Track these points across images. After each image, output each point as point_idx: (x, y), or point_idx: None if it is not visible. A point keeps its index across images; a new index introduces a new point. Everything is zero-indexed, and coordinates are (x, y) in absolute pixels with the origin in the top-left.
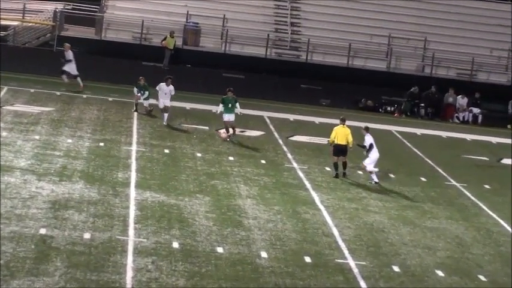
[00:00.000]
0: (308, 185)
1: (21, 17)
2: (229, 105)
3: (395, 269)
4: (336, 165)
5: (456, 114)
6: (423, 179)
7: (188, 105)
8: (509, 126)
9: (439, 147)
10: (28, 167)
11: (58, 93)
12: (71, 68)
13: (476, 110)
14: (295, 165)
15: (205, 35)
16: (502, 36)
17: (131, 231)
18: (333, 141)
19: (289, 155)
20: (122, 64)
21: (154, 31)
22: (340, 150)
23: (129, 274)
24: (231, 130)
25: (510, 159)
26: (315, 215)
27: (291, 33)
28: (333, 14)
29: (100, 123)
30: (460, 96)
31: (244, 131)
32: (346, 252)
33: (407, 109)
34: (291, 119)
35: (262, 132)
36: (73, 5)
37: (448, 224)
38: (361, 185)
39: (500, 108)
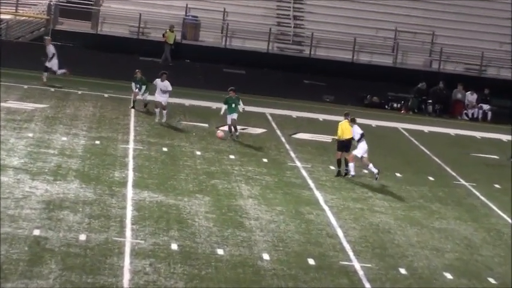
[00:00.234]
0: (312, 184)
1: (14, 10)
2: (233, 105)
3: (402, 271)
4: (339, 162)
5: (465, 111)
6: (431, 178)
7: (187, 102)
8: None
9: (447, 145)
10: (21, 165)
11: (52, 89)
12: (53, 63)
13: (485, 107)
14: (298, 163)
15: (205, 29)
16: None
17: (128, 233)
18: (340, 137)
19: (292, 154)
20: (119, 59)
21: (152, 25)
22: (344, 145)
23: (126, 277)
24: (233, 128)
25: None
26: (319, 216)
27: (293, 27)
28: (337, 7)
29: (96, 121)
30: (469, 92)
31: (245, 129)
32: (351, 254)
33: (414, 106)
34: (294, 116)
35: (264, 130)
36: None
37: (456, 224)
38: (366, 185)
39: (511, 104)
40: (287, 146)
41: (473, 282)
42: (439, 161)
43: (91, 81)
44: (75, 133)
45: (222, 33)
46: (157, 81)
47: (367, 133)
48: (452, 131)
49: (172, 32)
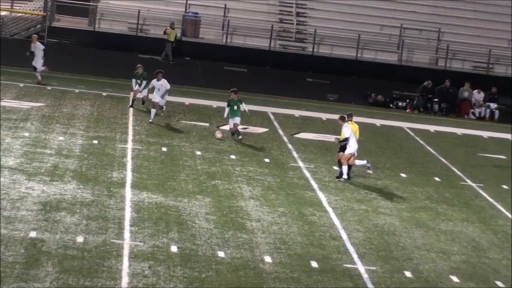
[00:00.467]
0: (315, 185)
1: (9, 7)
2: (235, 107)
3: (408, 274)
4: (340, 163)
5: (472, 110)
6: (437, 178)
7: (187, 101)
8: None
9: (454, 145)
10: (17, 166)
11: (49, 87)
12: (37, 61)
13: (493, 106)
14: (301, 164)
15: (206, 25)
16: None
17: (127, 234)
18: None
19: (294, 153)
20: (117, 57)
21: (151, 22)
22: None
23: (125, 280)
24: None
25: None
26: (322, 217)
27: (296, 24)
28: (341, 3)
29: (94, 120)
30: (476, 90)
31: (246, 128)
32: (355, 256)
33: (420, 104)
34: (297, 115)
35: (265, 129)
36: None
37: (463, 226)
38: (371, 186)
39: None
40: (289, 146)
41: (480, 285)
42: (445, 161)
43: (88, 79)
44: (73, 132)
45: (222, 30)
46: (154, 81)
47: (372, 132)
48: (458, 131)
49: (173, 29)
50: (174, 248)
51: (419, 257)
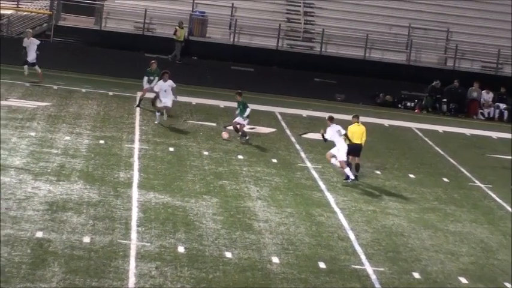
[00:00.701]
0: (322, 185)
1: (15, 6)
2: (240, 108)
3: (416, 275)
4: (349, 166)
5: (481, 110)
6: (445, 179)
7: (194, 100)
8: None
9: (463, 146)
10: (23, 165)
11: (55, 87)
12: (32, 57)
13: (502, 106)
14: (308, 164)
15: (213, 25)
16: None
17: (134, 235)
18: (350, 142)
19: (302, 154)
20: (123, 56)
21: (157, 21)
22: (355, 149)
23: (132, 280)
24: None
25: None
26: (330, 218)
27: (304, 23)
28: (349, 3)
29: (100, 119)
30: (485, 91)
31: (254, 128)
32: (363, 257)
33: (429, 105)
34: (304, 115)
35: (273, 129)
36: None
37: (472, 227)
38: (379, 186)
39: None
40: (297, 146)
41: (489, 286)
42: (454, 162)
43: (95, 78)
44: (79, 132)
45: (230, 29)
46: (160, 82)
47: (380, 133)
48: (467, 131)
49: (182, 28)
50: (181, 249)
51: (428, 258)
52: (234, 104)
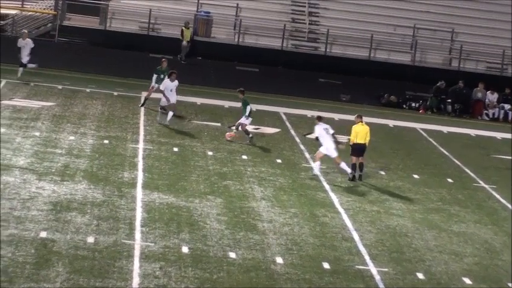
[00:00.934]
0: (327, 186)
1: (20, 6)
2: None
3: (420, 276)
4: (354, 167)
5: (485, 111)
6: (450, 180)
7: (199, 100)
8: None
9: (467, 146)
10: (28, 165)
11: (60, 86)
12: (26, 58)
13: (507, 107)
14: (313, 164)
15: (217, 25)
16: None
17: (138, 235)
18: (353, 141)
19: (306, 154)
20: (128, 56)
21: (162, 21)
22: (359, 149)
23: (136, 280)
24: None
25: None
26: (334, 219)
27: (309, 24)
28: (354, 3)
29: (104, 119)
30: (489, 91)
31: (258, 128)
32: (367, 258)
33: (433, 105)
34: (309, 115)
35: (277, 130)
36: None
37: (476, 228)
38: (383, 187)
39: None
40: (301, 147)
41: (493, 287)
42: (458, 163)
43: (99, 78)
44: (83, 132)
45: (234, 29)
46: (167, 82)
47: (384, 133)
48: (472, 132)
49: (188, 28)
50: (185, 249)
51: (432, 259)
52: (239, 104)
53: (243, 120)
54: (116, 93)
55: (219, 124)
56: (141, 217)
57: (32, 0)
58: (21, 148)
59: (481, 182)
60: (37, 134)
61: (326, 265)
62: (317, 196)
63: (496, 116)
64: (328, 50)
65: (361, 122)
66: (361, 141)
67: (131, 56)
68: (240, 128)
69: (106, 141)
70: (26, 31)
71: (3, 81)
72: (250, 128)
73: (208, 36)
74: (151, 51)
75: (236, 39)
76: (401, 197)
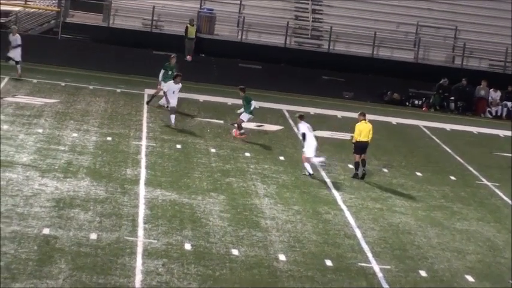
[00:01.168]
0: (329, 183)
1: (23, 2)
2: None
3: (422, 273)
4: (357, 165)
5: (488, 109)
6: (452, 177)
7: (202, 98)
8: None
9: (470, 144)
10: (31, 162)
11: (63, 83)
12: (16, 53)
13: (510, 104)
14: (315, 162)
15: (221, 22)
16: None
17: (140, 232)
18: (356, 139)
19: None
20: (131, 53)
21: (165, 18)
22: (362, 147)
23: (138, 277)
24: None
25: None
26: (337, 216)
27: (312, 21)
28: (357, 1)
29: (108, 116)
30: (492, 89)
31: (261, 126)
32: (369, 255)
33: (436, 103)
34: (312, 113)
35: (280, 127)
36: None
37: (479, 226)
38: (386, 184)
39: None
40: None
41: (495, 285)
42: (461, 160)
43: (102, 75)
44: (86, 129)
45: (238, 26)
46: (171, 84)
47: (387, 131)
48: (475, 129)
49: (193, 25)
50: (188, 246)
51: (435, 256)
52: (241, 102)
53: (242, 115)
54: (119, 90)
55: (222, 121)
56: (143, 214)
57: None
58: (24, 145)
59: (483, 179)
60: (40, 130)
61: (329, 262)
62: (320, 193)
63: (499, 113)
64: (331, 47)
65: (364, 120)
66: (364, 139)
67: (134, 53)
68: (237, 123)
69: (109, 138)
70: (15, 27)
71: (6, 78)
72: (251, 125)
73: (211, 34)
74: (155, 48)
75: (239, 37)
76: (404, 194)
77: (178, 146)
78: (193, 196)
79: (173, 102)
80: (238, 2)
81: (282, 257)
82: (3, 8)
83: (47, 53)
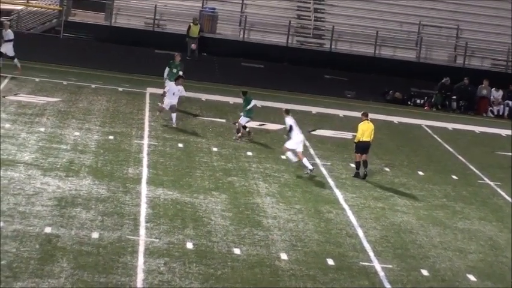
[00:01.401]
0: (331, 182)
1: (25, 1)
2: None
3: (424, 272)
4: (358, 164)
5: (490, 108)
6: (454, 176)
7: (204, 97)
8: None
9: (472, 143)
10: (32, 161)
11: (65, 82)
12: (8, 48)
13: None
14: (317, 161)
15: (223, 21)
16: None
17: (142, 231)
18: (360, 139)
19: (311, 150)
20: (133, 52)
21: (168, 17)
22: (364, 147)
23: (140, 276)
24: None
25: None
26: (339, 215)
27: (314, 20)
28: (359, 0)
29: (109, 115)
30: (494, 88)
31: (263, 125)
32: (371, 254)
33: (438, 102)
34: (314, 112)
35: (282, 126)
36: None
37: (480, 225)
38: (388, 183)
39: None
40: (306, 143)
41: (497, 284)
42: (463, 159)
43: (105, 74)
44: (88, 128)
45: (240, 25)
46: (172, 85)
47: (389, 130)
48: (477, 129)
49: (196, 24)
50: (189, 245)
51: (436, 256)
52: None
53: (240, 119)
54: (121, 89)
55: (224, 120)
56: (145, 213)
57: None
58: (26, 144)
59: (485, 178)
60: (42, 129)
61: (330, 261)
62: (322, 192)
63: (500, 113)
64: (333, 46)
65: (367, 119)
66: (367, 139)
67: (136, 52)
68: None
69: (111, 137)
70: (7, 22)
71: (9, 77)
72: (253, 124)
73: (213, 33)
74: (157, 47)
75: (241, 36)
76: (406, 193)
77: (180, 145)
78: (195, 195)
79: (174, 101)
80: (241, 1)
81: (283, 256)
82: (6, 6)
83: (49, 51)
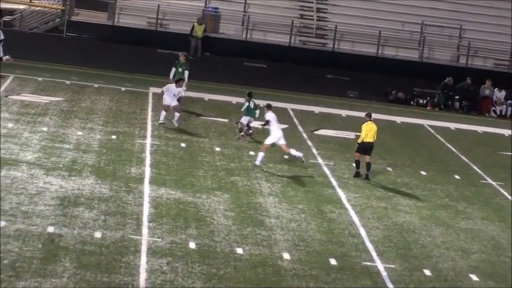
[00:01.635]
0: (334, 182)
1: (28, 1)
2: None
3: (427, 272)
4: (358, 163)
5: (493, 108)
6: (457, 176)
7: (206, 96)
8: None
9: (475, 143)
10: (35, 160)
11: (68, 82)
12: None
13: None
14: (320, 161)
15: (225, 21)
16: None
17: (145, 230)
18: (364, 139)
19: (314, 150)
20: (136, 51)
21: (170, 17)
22: (367, 148)
23: (143, 276)
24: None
25: None
26: (341, 215)
27: (316, 20)
28: (362, 0)
29: (112, 115)
30: (497, 88)
31: (265, 124)
32: (374, 254)
33: (441, 102)
34: (316, 112)
35: (285, 126)
36: None
37: (483, 225)
38: (390, 183)
39: None
40: (309, 143)
41: (500, 284)
42: (465, 159)
43: (107, 74)
44: (91, 127)
45: (242, 25)
46: (172, 86)
47: (392, 130)
48: (479, 128)
49: (200, 24)
50: (192, 245)
51: (439, 255)
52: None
53: (242, 119)
54: (123, 89)
55: (226, 120)
56: (148, 212)
57: None
58: (29, 143)
59: (488, 178)
60: (45, 129)
61: (333, 261)
62: (324, 192)
63: (503, 113)
64: (336, 46)
65: (371, 120)
66: (371, 140)
67: (139, 52)
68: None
69: (114, 137)
70: None
71: (12, 76)
72: (254, 124)
73: (216, 32)
74: (160, 47)
75: (244, 35)
76: (409, 193)
77: (183, 145)
78: (197, 195)
79: (173, 103)
80: (243, 1)
81: (286, 256)
82: (9, 6)
83: (52, 51)
